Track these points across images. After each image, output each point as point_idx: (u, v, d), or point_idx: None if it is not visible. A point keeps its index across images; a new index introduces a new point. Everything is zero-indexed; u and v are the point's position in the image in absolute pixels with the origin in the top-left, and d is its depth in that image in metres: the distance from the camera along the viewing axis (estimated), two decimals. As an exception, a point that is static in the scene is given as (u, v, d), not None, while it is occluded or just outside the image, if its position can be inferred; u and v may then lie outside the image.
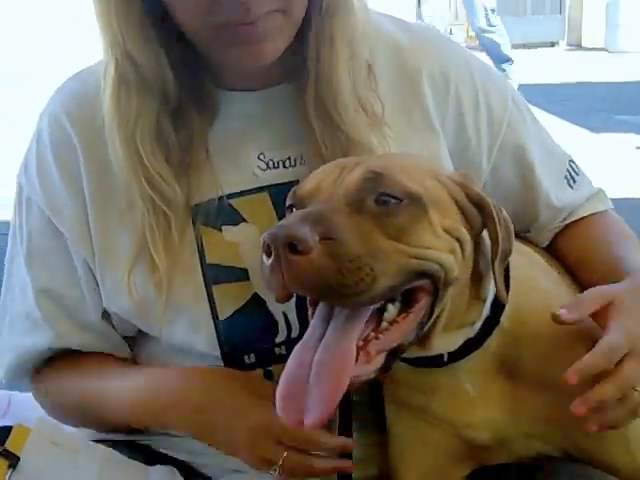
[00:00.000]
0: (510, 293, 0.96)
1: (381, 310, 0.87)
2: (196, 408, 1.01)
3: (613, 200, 1.32)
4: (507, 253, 0.93)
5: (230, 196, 1.06)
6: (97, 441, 1.10)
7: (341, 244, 0.80)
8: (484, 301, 0.96)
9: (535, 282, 1.04)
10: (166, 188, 1.02)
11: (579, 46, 18.05)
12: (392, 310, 0.87)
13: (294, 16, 0.99)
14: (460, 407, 1.00)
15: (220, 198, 1.06)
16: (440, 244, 0.87)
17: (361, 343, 0.85)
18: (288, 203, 0.94)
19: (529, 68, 10.19)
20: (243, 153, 1.08)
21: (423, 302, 0.88)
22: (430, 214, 0.87)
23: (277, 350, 1.08)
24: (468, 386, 0.99)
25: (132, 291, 1.05)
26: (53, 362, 1.15)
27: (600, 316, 0.97)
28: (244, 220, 1.07)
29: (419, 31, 1.20)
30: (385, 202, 0.85)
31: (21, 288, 1.13)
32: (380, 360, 0.86)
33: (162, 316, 1.05)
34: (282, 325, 1.07)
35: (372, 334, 0.86)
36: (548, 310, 0.96)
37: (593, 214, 1.24)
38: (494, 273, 0.91)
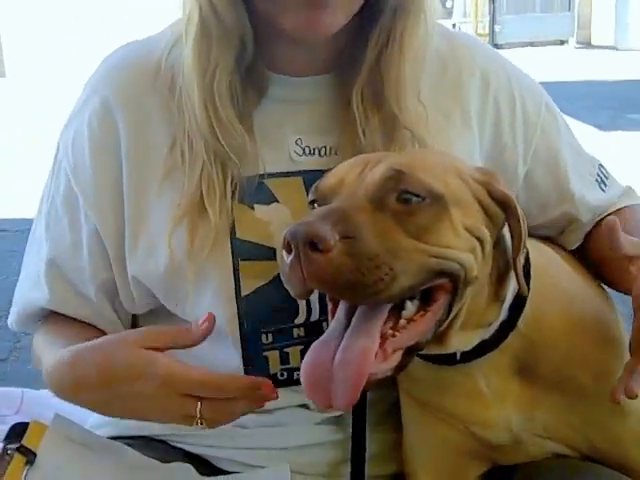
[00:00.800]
0: (530, 296, 0.96)
1: (399, 307, 0.87)
2: (96, 383, 0.95)
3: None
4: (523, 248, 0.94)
5: (265, 176, 1.07)
6: (114, 438, 1.11)
7: (361, 242, 0.80)
8: (502, 302, 0.95)
9: (556, 286, 1.03)
10: (236, 135, 1.04)
11: (588, 44, 18.00)
12: (411, 308, 0.87)
13: None
14: (475, 406, 1.00)
15: (256, 177, 1.06)
16: (461, 243, 0.87)
17: (379, 340, 0.85)
18: (310, 198, 0.94)
19: (538, 66, 10.17)
20: (282, 136, 1.09)
21: (442, 301, 0.88)
22: (452, 213, 0.87)
23: (296, 331, 1.08)
24: (483, 386, 0.99)
25: (172, 252, 1.05)
26: (48, 318, 1.18)
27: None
28: (276, 200, 1.07)
29: (459, 37, 1.22)
30: (407, 200, 0.86)
31: (38, 246, 1.17)
32: (397, 358, 0.85)
33: (191, 283, 1.05)
34: (303, 307, 1.07)
35: (390, 332, 0.86)
36: (568, 315, 0.97)
37: (620, 209, 1.25)
38: (515, 269, 0.91)
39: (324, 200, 0.91)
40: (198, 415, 0.92)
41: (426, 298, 0.88)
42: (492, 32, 18.84)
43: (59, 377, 0.99)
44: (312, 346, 0.86)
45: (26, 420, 1.04)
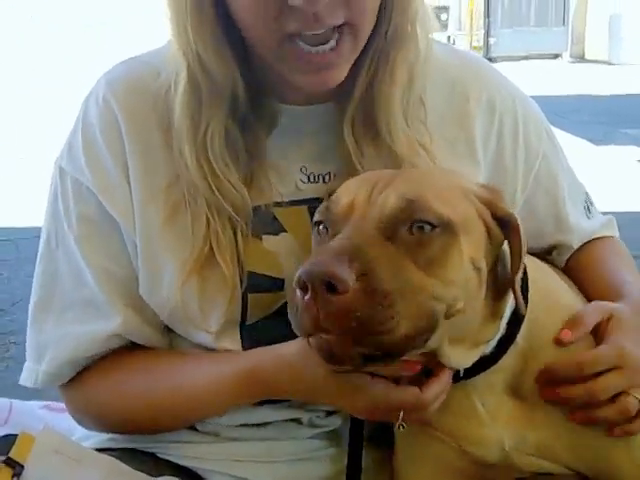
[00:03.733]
0: (528, 311, 0.96)
1: None
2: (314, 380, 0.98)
3: (614, 213, 1.35)
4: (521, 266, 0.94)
5: (274, 205, 1.07)
6: (101, 449, 1.10)
7: (375, 280, 0.80)
8: (500, 319, 0.96)
9: (554, 300, 1.04)
10: (235, 195, 1.03)
11: (582, 58, 18.07)
12: None
13: (362, 37, 1.00)
14: (470, 425, 1.00)
15: (265, 207, 1.06)
16: (462, 277, 0.87)
17: None
18: (317, 219, 0.94)
19: (532, 80, 10.21)
20: (288, 165, 1.09)
21: None
22: (461, 241, 0.87)
23: None
24: (479, 405, 1.00)
25: (183, 301, 1.04)
26: (97, 364, 1.11)
27: (598, 330, 1.02)
28: (284, 230, 1.07)
29: (467, 58, 1.22)
30: (419, 228, 0.86)
31: (73, 275, 1.09)
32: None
33: (200, 319, 1.05)
34: None
35: None
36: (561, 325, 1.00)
37: (602, 238, 1.29)
38: (514, 289, 0.92)
39: (334, 226, 0.90)
40: (400, 421, 0.96)
41: None
42: (487, 45, 18.90)
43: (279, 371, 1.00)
44: None
45: (14, 431, 1.03)
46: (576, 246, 1.26)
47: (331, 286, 0.77)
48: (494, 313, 0.95)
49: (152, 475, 1.06)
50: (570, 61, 17.89)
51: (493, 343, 0.96)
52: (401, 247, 0.85)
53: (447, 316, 0.87)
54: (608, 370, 0.98)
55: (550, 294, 1.03)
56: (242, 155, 1.04)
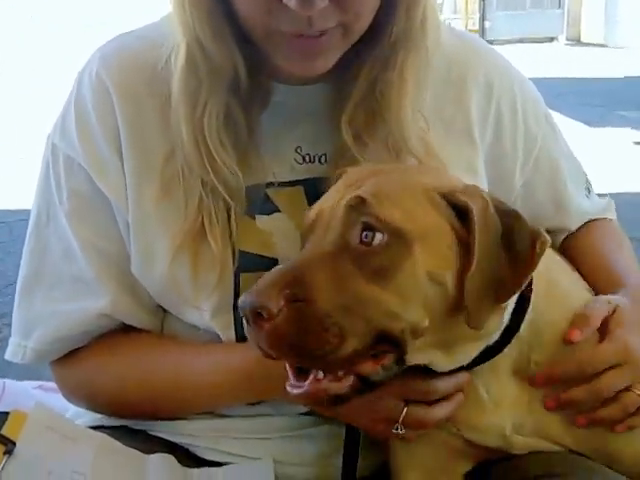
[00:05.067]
0: (532, 300, 0.95)
1: None
2: None
3: (609, 194, 1.35)
4: (508, 285, 0.86)
5: (267, 185, 1.06)
6: (94, 427, 1.09)
7: (308, 304, 0.80)
8: (504, 310, 0.93)
9: (557, 285, 1.02)
10: (230, 176, 1.01)
11: (578, 41, 18.06)
12: None
13: (354, 35, 0.98)
14: (472, 412, 0.99)
15: (258, 186, 1.05)
16: (417, 294, 0.84)
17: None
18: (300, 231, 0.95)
19: (528, 63, 10.18)
20: (282, 145, 1.08)
21: (387, 358, 0.87)
22: (415, 253, 0.83)
23: None
24: (482, 392, 0.99)
25: (174, 277, 1.03)
26: (91, 345, 1.10)
27: (602, 325, 1.01)
28: (278, 210, 1.06)
29: (466, 39, 1.21)
30: (367, 237, 0.84)
31: (63, 251, 1.08)
32: (349, 380, 0.86)
33: (192, 297, 1.04)
34: None
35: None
36: (567, 313, 0.99)
37: (599, 220, 1.29)
38: (465, 292, 0.84)
39: (303, 240, 0.91)
40: (401, 419, 0.95)
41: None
42: (482, 28, 18.86)
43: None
44: None
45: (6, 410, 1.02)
46: (574, 228, 1.26)
47: (259, 314, 0.80)
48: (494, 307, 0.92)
49: (144, 452, 1.05)
50: (566, 44, 17.87)
51: (498, 334, 0.94)
52: (351, 259, 0.83)
53: (415, 336, 0.85)
54: (611, 367, 0.98)
55: (554, 281, 1.01)
56: (242, 133, 1.03)
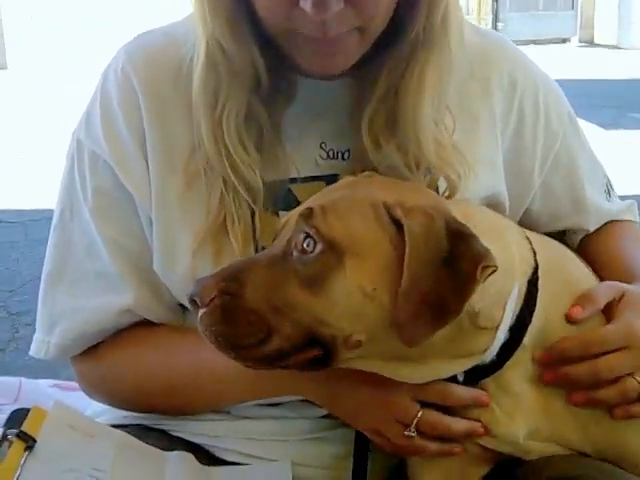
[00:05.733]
0: (539, 308, 0.94)
1: None
2: (328, 376, 0.98)
3: (622, 196, 1.34)
4: (446, 309, 0.82)
5: (290, 181, 1.06)
6: (113, 426, 1.10)
7: (237, 298, 0.86)
8: (495, 328, 0.92)
9: (573, 291, 1.00)
10: (249, 176, 1.01)
11: (591, 43, 17.97)
12: None
13: (371, 35, 0.98)
14: (485, 422, 0.98)
15: (281, 182, 1.05)
16: (349, 307, 0.84)
17: None
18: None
19: (540, 64, 10.13)
20: (307, 140, 1.08)
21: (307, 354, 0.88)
22: (346, 265, 0.84)
23: None
24: (494, 405, 0.98)
25: (195, 276, 1.02)
26: (112, 338, 1.11)
27: (609, 309, 0.99)
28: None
29: (490, 36, 1.21)
30: (307, 246, 0.86)
31: (87, 247, 1.08)
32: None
33: None
34: None
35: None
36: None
37: (620, 221, 1.28)
38: (397, 308, 0.82)
39: (275, 238, 0.94)
40: (415, 422, 0.95)
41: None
42: (495, 29, 18.82)
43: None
44: None
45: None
46: (592, 229, 1.25)
47: (196, 302, 0.87)
48: (475, 326, 0.90)
49: (165, 450, 1.06)
50: (579, 45, 17.79)
51: (493, 352, 0.93)
52: (290, 265, 0.87)
53: (348, 346, 0.86)
54: (615, 350, 0.96)
55: (571, 288, 1.00)
56: (265, 130, 1.03)
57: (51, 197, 1.15)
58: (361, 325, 0.85)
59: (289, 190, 1.06)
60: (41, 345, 1.12)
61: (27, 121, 6.65)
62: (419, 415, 0.96)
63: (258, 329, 0.85)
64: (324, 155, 1.08)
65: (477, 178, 1.09)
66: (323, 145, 1.08)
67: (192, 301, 0.88)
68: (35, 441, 0.96)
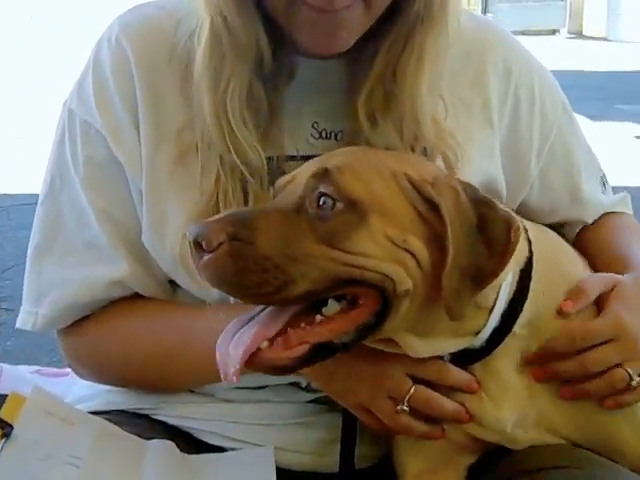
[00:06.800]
0: (531, 297, 0.94)
1: (323, 304, 0.87)
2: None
3: (612, 188, 1.34)
4: (484, 275, 0.86)
5: (285, 159, 1.05)
6: (94, 413, 1.08)
7: (248, 245, 0.83)
8: (489, 310, 0.92)
9: (563, 282, 1.00)
10: (251, 153, 1.01)
11: (580, 34, 18.01)
12: (331, 307, 0.87)
13: (377, 9, 0.98)
14: (472, 409, 0.98)
15: (275, 159, 1.04)
16: (382, 253, 0.84)
17: (288, 329, 0.86)
18: (272, 193, 0.95)
19: (530, 55, 10.14)
20: (300, 119, 1.07)
21: (366, 308, 0.87)
22: (370, 221, 0.84)
23: None
24: (481, 391, 0.97)
25: (184, 254, 1.01)
26: (99, 312, 1.10)
27: (601, 301, 0.99)
28: None
29: (485, 24, 1.21)
30: (324, 204, 0.85)
31: (77, 217, 1.07)
32: (301, 350, 0.86)
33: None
34: None
35: (302, 324, 0.86)
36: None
37: (614, 213, 1.28)
38: (443, 286, 0.84)
39: (274, 197, 0.92)
40: (407, 397, 0.94)
41: (355, 302, 0.87)
42: (484, 20, 18.81)
43: None
44: (230, 323, 0.89)
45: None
46: (590, 221, 1.25)
47: (201, 244, 0.82)
48: (477, 304, 0.91)
49: (145, 437, 1.04)
50: (568, 37, 17.81)
51: (484, 336, 0.93)
52: (305, 220, 0.85)
53: (397, 296, 0.85)
54: (603, 342, 0.96)
55: (559, 276, 1.00)
56: (263, 109, 1.02)
57: (34, 182, 1.13)
58: (402, 273, 0.85)
59: (282, 168, 1.05)
60: (28, 317, 1.10)
61: (26, 121, 6.63)
62: (412, 391, 0.95)
63: (273, 277, 0.82)
64: (316, 135, 1.08)
65: (472, 162, 1.09)
66: (315, 125, 1.08)
67: (197, 243, 0.83)
68: (12, 427, 0.95)
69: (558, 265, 1.02)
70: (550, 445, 1.00)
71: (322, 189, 0.85)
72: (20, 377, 1.39)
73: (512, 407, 0.98)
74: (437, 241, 0.86)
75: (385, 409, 0.97)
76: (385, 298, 0.86)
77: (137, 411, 1.12)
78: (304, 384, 1.09)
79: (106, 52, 1.08)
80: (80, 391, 1.19)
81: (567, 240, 1.18)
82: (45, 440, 0.96)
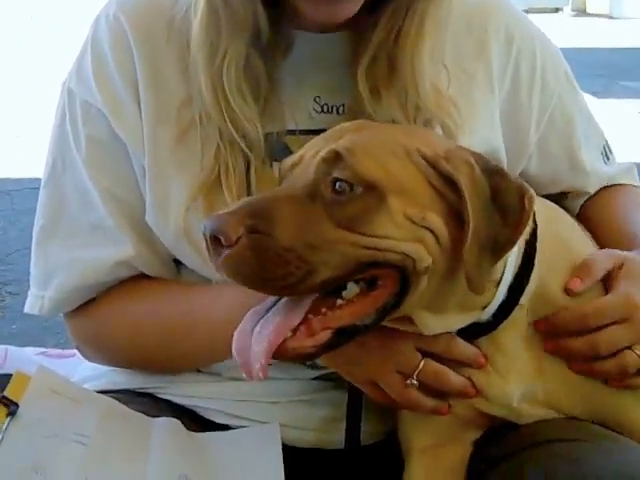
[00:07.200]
0: (535, 270, 0.93)
1: (342, 288, 0.86)
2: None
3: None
4: (501, 245, 0.86)
5: (286, 133, 1.05)
6: (101, 392, 1.08)
7: (268, 238, 0.81)
8: (497, 284, 0.91)
9: (567, 254, 0.99)
10: (249, 127, 1.00)
11: (583, 12, 17.89)
12: (351, 290, 0.86)
13: None
14: (479, 383, 0.97)
15: (277, 134, 1.04)
16: (402, 234, 0.83)
17: (309, 316, 0.85)
18: (277, 174, 0.94)
19: (532, 32, 10.08)
20: (301, 93, 1.06)
21: (386, 289, 0.86)
22: (389, 203, 0.83)
23: None
24: (488, 365, 0.96)
25: (187, 229, 1.01)
26: (106, 293, 1.09)
27: (609, 279, 0.98)
28: None
29: None
30: (340, 188, 0.83)
31: (80, 198, 1.07)
32: (324, 337, 0.85)
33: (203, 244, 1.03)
34: None
35: (323, 310, 0.85)
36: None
37: (619, 185, 1.26)
38: (464, 262, 0.84)
39: (281, 180, 0.91)
40: (417, 372, 0.94)
41: (373, 283, 0.86)
42: (486, -2, 18.69)
43: None
44: (247, 314, 0.87)
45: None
46: (592, 191, 1.23)
47: (218, 239, 0.80)
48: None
49: (150, 416, 1.04)
50: (571, 15, 17.69)
51: (491, 310, 0.92)
52: (321, 206, 0.84)
53: (417, 273, 0.85)
54: (614, 322, 0.95)
55: (563, 249, 0.99)
56: (262, 81, 1.02)
57: (37, 166, 1.12)
58: (422, 251, 0.84)
59: (284, 142, 1.05)
60: (35, 300, 1.10)
61: (24, 119, 6.63)
62: (421, 365, 0.95)
63: (296, 267, 0.81)
64: (318, 109, 1.07)
65: (474, 132, 1.08)
66: (317, 99, 1.07)
67: (214, 239, 0.81)
68: (18, 406, 0.95)
69: (562, 239, 1.00)
70: (556, 419, 1.00)
71: (337, 174, 0.83)
72: (26, 358, 1.39)
73: (518, 380, 0.97)
74: (454, 215, 0.85)
75: (394, 383, 0.96)
76: (404, 277, 0.85)
77: (142, 390, 1.12)
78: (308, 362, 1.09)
79: (104, 29, 1.07)
80: (85, 371, 1.19)
81: (570, 213, 1.16)
82: (51, 418, 0.96)
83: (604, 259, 0.99)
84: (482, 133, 1.11)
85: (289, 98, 1.05)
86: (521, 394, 0.98)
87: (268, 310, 0.87)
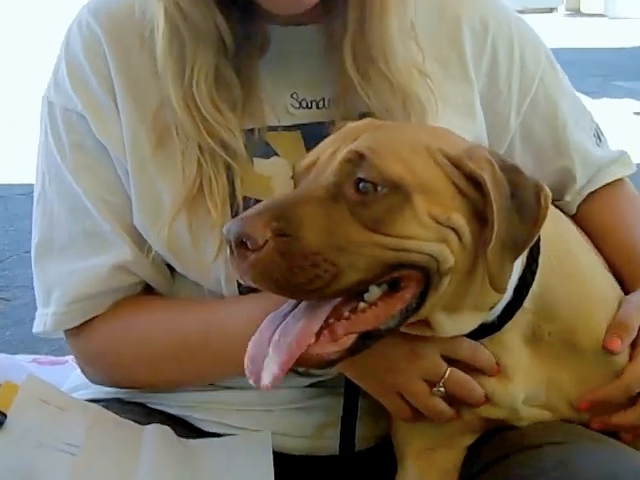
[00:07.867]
0: (538, 273, 0.93)
1: (364, 291, 0.84)
2: None
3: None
4: (520, 243, 0.85)
5: (264, 129, 1.04)
6: (91, 401, 1.07)
7: (296, 241, 0.79)
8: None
9: (570, 256, 0.99)
10: (227, 137, 0.99)
11: (578, 11, 17.93)
12: (374, 293, 0.85)
13: None
14: (485, 388, 0.97)
15: (256, 130, 1.03)
16: (427, 234, 0.83)
17: (332, 321, 0.84)
18: (291, 174, 0.93)
19: (527, 33, 10.08)
20: (277, 90, 1.06)
21: (410, 290, 0.85)
22: (415, 202, 0.82)
23: None
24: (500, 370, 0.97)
25: (173, 240, 1.01)
26: (109, 311, 1.07)
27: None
28: (276, 154, 1.05)
29: None
30: (364, 189, 0.82)
31: (69, 208, 1.06)
32: (347, 341, 0.84)
33: (190, 252, 1.03)
34: None
35: (346, 314, 0.84)
36: (577, 286, 0.97)
37: (614, 183, 1.24)
38: (487, 262, 0.84)
39: (296, 182, 0.89)
40: (442, 380, 0.93)
41: (395, 285, 0.85)
42: (481, -1, 18.72)
43: None
44: (263, 322, 0.86)
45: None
46: (581, 175, 1.20)
47: (244, 243, 0.78)
48: None
49: (141, 424, 1.03)
50: (566, 14, 17.74)
51: (497, 310, 0.92)
52: (345, 207, 0.82)
53: (440, 274, 0.84)
54: None
55: (567, 255, 0.99)
56: (235, 87, 1.01)
57: (31, 172, 1.12)
58: (446, 251, 0.84)
59: (262, 138, 1.04)
60: (40, 319, 1.09)
61: (26, 126, 6.61)
62: (447, 373, 0.94)
63: (324, 270, 0.79)
64: (296, 104, 1.06)
65: (448, 124, 1.05)
66: (295, 95, 1.06)
67: (240, 242, 0.79)
68: (5, 416, 0.94)
69: (563, 242, 1.00)
70: (546, 422, 1.00)
71: (361, 174, 0.82)
72: (17, 366, 1.38)
73: (522, 382, 0.97)
74: (476, 215, 0.85)
75: (420, 392, 0.95)
76: (427, 278, 0.85)
77: (134, 399, 1.11)
78: (301, 369, 1.07)
79: (76, 36, 1.07)
80: (76, 380, 1.18)
81: (565, 215, 1.15)
82: (38, 428, 0.95)
83: (635, 315, 1.00)
84: (454, 122, 1.08)
85: (267, 95, 1.05)
86: (525, 396, 0.97)
87: (285, 317, 0.85)
